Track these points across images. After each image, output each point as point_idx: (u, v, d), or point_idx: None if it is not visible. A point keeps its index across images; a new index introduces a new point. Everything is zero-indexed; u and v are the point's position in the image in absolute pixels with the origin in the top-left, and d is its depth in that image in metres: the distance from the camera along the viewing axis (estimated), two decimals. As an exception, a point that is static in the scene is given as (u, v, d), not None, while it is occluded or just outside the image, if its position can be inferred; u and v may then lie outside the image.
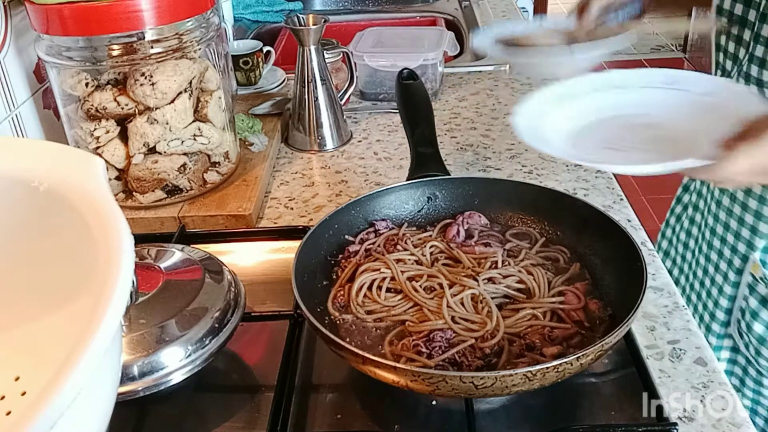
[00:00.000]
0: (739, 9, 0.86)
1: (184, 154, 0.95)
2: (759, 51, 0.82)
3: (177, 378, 0.62)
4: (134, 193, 0.95)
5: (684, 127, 0.85)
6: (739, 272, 0.95)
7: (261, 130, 1.13)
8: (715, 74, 0.92)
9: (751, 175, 0.68)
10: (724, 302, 0.98)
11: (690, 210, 1.09)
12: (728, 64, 0.89)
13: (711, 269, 1.01)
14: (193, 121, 0.95)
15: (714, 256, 1.00)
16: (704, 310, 1.01)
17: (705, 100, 0.86)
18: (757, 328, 0.93)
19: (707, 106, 0.85)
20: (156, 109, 0.90)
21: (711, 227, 1.01)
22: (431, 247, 0.77)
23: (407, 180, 0.84)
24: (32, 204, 0.48)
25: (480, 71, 1.43)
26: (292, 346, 0.69)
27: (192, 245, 0.79)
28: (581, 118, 0.79)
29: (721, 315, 0.98)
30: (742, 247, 0.94)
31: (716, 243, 1.00)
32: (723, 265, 0.98)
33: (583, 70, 0.84)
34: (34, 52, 0.95)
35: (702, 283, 1.03)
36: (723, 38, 0.90)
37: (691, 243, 1.09)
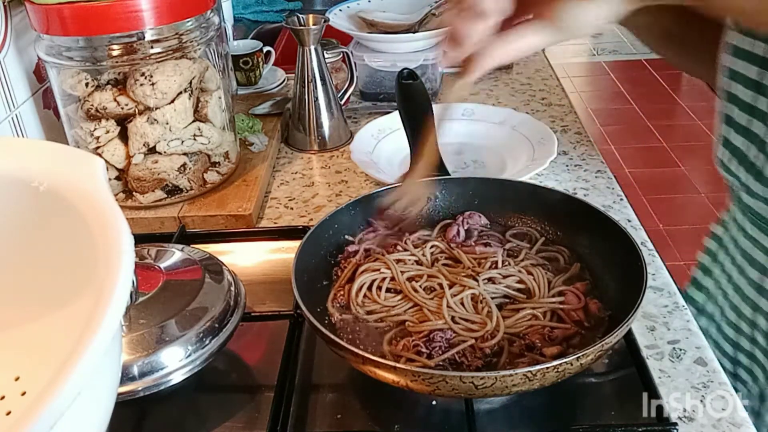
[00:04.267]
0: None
1: (184, 154, 0.95)
2: None
3: (177, 378, 0.62)
4: (134, 193, 0.95)
5: (488, 148, 1.07)
6: None
7: (261, 130, 1.13)
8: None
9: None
10: None
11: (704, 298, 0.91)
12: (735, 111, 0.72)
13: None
14: (193, 121, 0.95)
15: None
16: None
17: (500, 126, 1.10)
18: None
19: (502, 130, 1.09)
20: (156, 109, 0.90)
21: (729, 321, 0.85)
22: (431, 247, 0.77)
23: (407, 180, 0.84)
24: (32, 204, 0.48)
25: (480, 71, 1.43)
26: (292, 346, 0.69)
27: (192, 245, 0.79)
28: (402, 147, 0.93)
29: None
30: None
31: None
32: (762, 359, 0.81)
33: None
34: (34, 52, 0.95)
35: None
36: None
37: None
